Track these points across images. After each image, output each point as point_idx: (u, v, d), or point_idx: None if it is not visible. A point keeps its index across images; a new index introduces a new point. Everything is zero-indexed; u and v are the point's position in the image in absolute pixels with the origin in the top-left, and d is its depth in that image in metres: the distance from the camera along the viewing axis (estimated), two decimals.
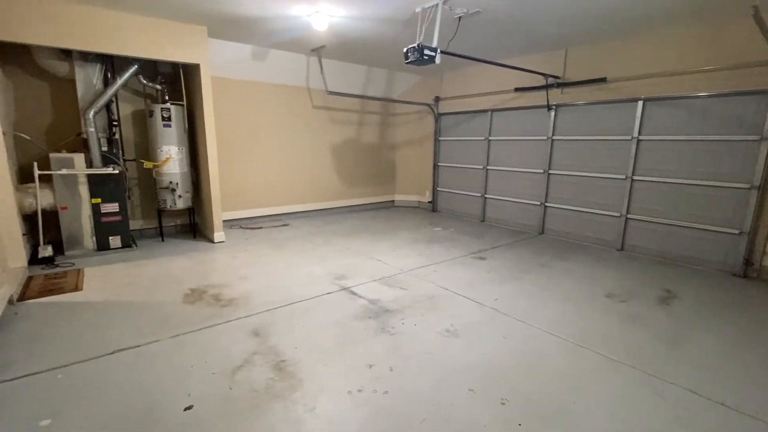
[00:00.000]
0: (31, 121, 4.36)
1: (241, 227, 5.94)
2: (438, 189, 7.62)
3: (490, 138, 6.50)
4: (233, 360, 2.36)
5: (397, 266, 4.22)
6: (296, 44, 5.28)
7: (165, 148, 4.81)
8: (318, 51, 5.60)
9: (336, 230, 5.89)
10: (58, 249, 4.23)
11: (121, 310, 3.07)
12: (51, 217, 4.19)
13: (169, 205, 4.94)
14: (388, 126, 7.82)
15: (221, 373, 2.23)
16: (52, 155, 4.08)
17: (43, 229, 4.08)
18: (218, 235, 5.09)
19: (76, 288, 3.43)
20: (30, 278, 3.64)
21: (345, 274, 3.95)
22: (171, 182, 4.87)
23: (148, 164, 4.84)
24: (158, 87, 4.83)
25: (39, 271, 3.85)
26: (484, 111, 6.51)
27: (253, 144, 6.09)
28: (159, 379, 2.18)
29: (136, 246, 4.74)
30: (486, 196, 6.70)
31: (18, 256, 3.69)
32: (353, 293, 3.45)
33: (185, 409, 1.93)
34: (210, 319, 2.90)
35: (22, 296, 3.22)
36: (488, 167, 6.60)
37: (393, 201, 8.22)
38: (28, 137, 4.04)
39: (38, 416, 1.87)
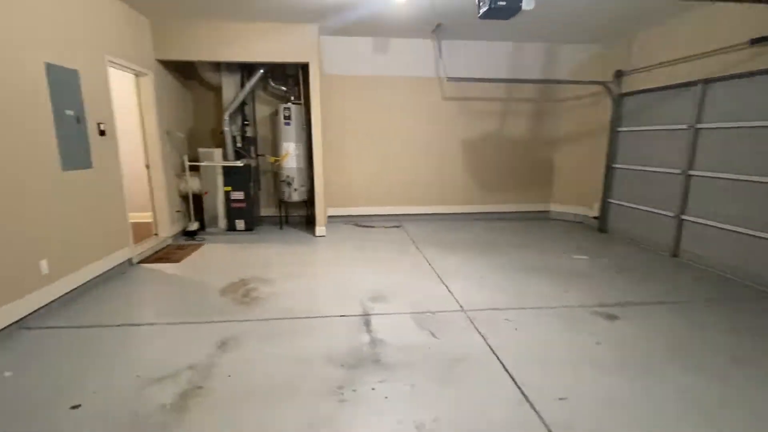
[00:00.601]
0: (192, 122, 5.59)
1: (356, 224, 5.92)
2: (610, 201, 5.45)
3: (699, 125, 4.07)
4: (164, 369, 2.17)
5: (461, 299, 3.14)
6: (416, 28, 4.71)
7: (285, 144, 5.23)
8: (436, 31, 4.85)
9: (443, 240, 5.03)
10: (204, 226, 5.28)
11: (175, 287, 3.46)
12: (199, 199, 5.25)
13: (286, 197, 5.38)
14: (545, 115, 6.13)
15: (138, 379, 2.07)
16: (200, 150, 5.08)
17: (195, 209, 5.16)
18: (320, 229, 5.19)
19: (178, 261, 4.12)
20: (167, 246, 4.65)
21: (387, 296, 3.22)
22: (287, 176, 5.28)
23: (271, 159, 5.40)
24: (283, 88, 5.30)
25: (182, 241, 4.88)
26: (691, 84, 4.12)
27: (371, 141, 5.92)
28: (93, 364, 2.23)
29: (254, 230, 5.39)
30: (683, 217, 4.29)
31: (167, 228, 4.76)
32: (367, 325, 2.72)
33: (72, 408, 1.86)
34: (212, 315, 2.86)
35: (144, 260, 4.11)
36: (691, 172, 4.18)
37: (547, 212, 6.46)
38: (182, 135, 5.15)
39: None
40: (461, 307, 3.02)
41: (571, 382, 2.08)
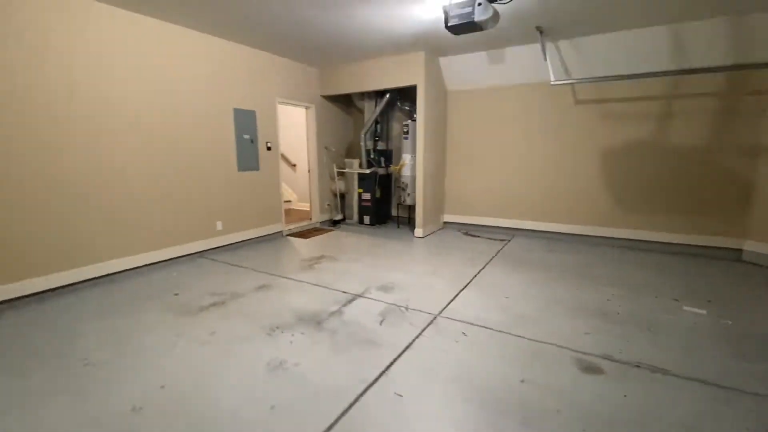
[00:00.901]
0: (351, 138, 7.20)
1: (466, 233, 6.07)
2: None
3: None
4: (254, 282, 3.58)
5: (450, 307, 3.17)
6: (524, 33, 4.60)
7: (403, 155, 6.11)
8: (548, 33, 4.50)
9: (533, 260, 4.58)
10: (345, 218, 6.87)
11: (291, 252, 5.00)
12: (344, 197, 6.84)
13: (402, 200, 6.25)
14: (738, 115, 4.30)
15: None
16: (345, 159, 6.66)
17: (341, 205, 6.82)
18: (418, 231, 5.78)
19: (307, 238, 5.77)
20: (311, 228, 6.44)
21: (393, 288, 3.61)
22: (403, 183, 6.14)
23: (394, 168, 6.38)
24: (407, 108, 6.16)
25: (325, 226, 6.60)
26: None
27: (491, 151, 5.92)
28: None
29: (376, 225, 6.51)
30: None
31: (317, 215, 6.59)
32: (348, 302, 3.32)
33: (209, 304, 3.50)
34: (285, 271, 4.15)
35: (290, 234, 5.98)
36: None
37: (738, 251, 4.49)
38: (333, 149, 6.81)
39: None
40: (438, 312, 3.10)
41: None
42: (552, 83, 4.96)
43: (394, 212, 6.98)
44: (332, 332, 2.76)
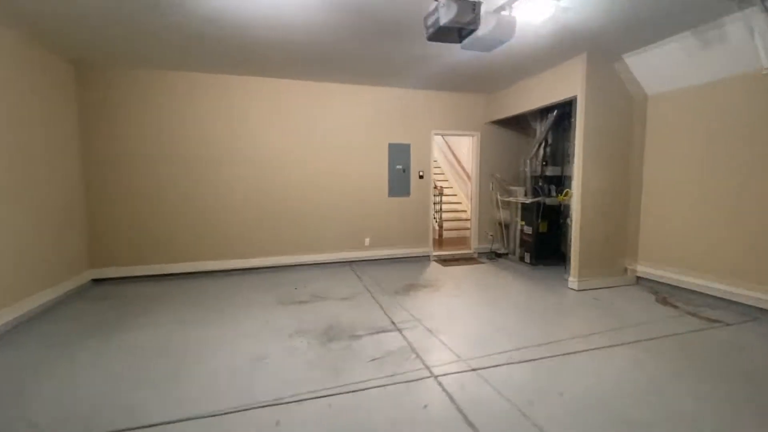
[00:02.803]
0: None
1: (664, 299, 4.15)
2: None
3: None
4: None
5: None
6: None
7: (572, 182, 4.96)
8: None
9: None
10: (510, 253, 6.20)
11: (407, 276, 5.22)
12: (509, 228, 6.19)
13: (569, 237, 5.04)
14: None
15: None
16: (510, 187, 6.04)
17: (506, 237, 6.25)
18: (571, 281, 4.52)
19: (445, 266, 5.72)
20: (467, 258, 6.23)
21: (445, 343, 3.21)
22: (566, 214, 4.96)
23: (560, 197, 5.21)
24: None
25: (482, 258, 6.23)
26: None
27: (701, 174, 3.86)
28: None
29: (536, 265, 5.50)
30: None
31: (475, 244, 6.33)
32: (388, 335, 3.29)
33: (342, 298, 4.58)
34: (389, 294, 4.51)
35: (440, 259, 6.08)
36: None
37: None
38: (499, 176, 6.18)
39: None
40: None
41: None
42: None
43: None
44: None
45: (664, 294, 4.24)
